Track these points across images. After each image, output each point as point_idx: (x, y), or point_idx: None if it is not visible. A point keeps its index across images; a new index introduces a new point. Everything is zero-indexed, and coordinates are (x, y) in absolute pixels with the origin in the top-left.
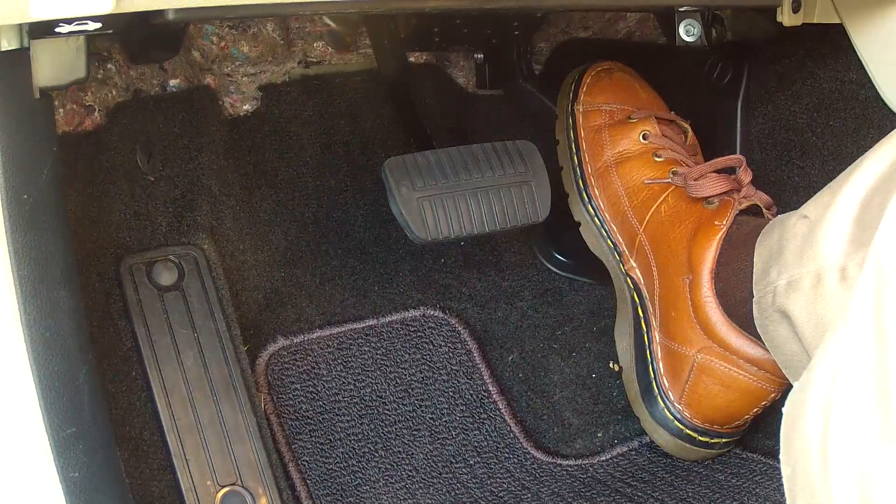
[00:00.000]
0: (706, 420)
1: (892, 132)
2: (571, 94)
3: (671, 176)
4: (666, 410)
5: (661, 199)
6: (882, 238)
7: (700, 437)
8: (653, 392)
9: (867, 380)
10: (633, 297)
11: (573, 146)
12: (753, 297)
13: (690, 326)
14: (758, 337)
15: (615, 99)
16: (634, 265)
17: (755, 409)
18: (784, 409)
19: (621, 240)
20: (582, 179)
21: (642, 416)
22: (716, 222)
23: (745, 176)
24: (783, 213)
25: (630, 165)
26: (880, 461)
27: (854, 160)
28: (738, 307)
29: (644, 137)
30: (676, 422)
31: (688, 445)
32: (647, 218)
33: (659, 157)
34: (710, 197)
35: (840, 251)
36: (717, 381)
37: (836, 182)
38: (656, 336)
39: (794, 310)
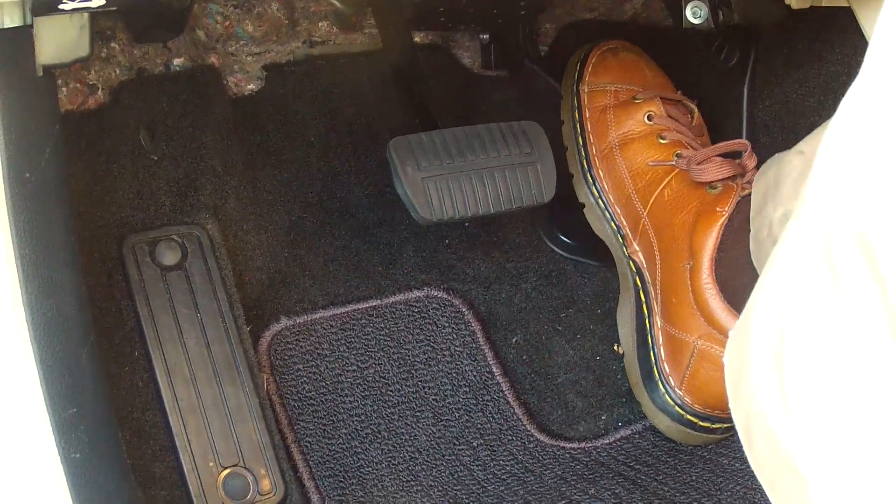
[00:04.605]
0: (707, 406)
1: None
2: (577, 74)
3: (675, 158)
4: (667, 396)
5: (665, 182)
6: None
7: (701, 423)
8: (654, 377)
9: (815, 311)
10: (635, 282)
11: (578, 127)
12: (751, 232)
13: (691, 313)
14: None
15: (620, 79)
16: (637, 249)
17: None
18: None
19: (625, 223)
20: (586, 160)
21: (643, 402)
22: (717, 208)
23: (750, 161)
24: None
25: (635, 147)
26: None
27: None
28: (739, 293)
29: (649, 118)
30: (677, 407)
31: (689, 431)
32: (651, 201)
33: (664, 138)
34: (713, 182)
35: None
36: (717, 368)
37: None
38: (658, 321)
39: None
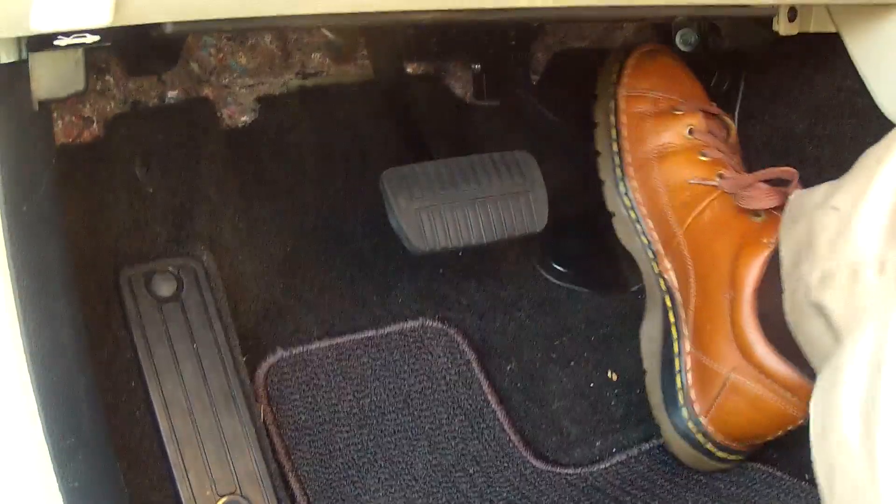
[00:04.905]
0: (728, 437)
1: None
2: (615, 76)
3: (717, 179)
4: (690, 423)
5: (705, 203)
6: None
7: (719, 453)
8: (677, 402)
9: None
10: (664, 301)
11: (613, 132)
12: (784, 292)
13: (726, 344)
14: (794, 360)
15: (660, 86)
16: (669, 267)
17: (780, 433)
18: (812, 411)
19: (657, 238)
20: (620, 168)
21: (662, 425)
22: (763, 239)
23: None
24: None
25: (673, 161)
26: None
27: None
28: (779, 329)
29: (690, 132)
30: (700, 434)
31: (704, 459)
32: (689, 221)
33: (705, 156)
34: (758, 210)
35: (878, 243)
36: (747, 402)
37: (861, 172)
38: (687, 345)
39: (829, 304)
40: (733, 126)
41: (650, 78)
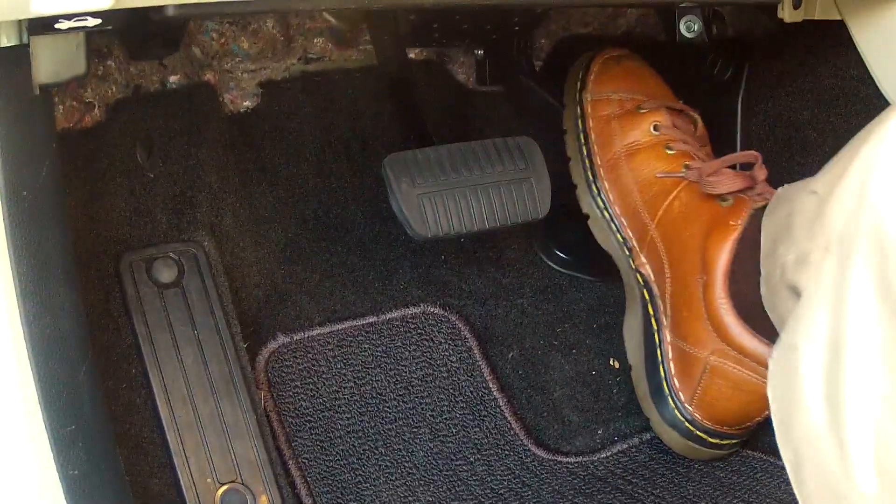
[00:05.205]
0: (717, 422)
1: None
2: (579, 83)
3: (684, 170)
4: (676, 412)
5: (674, 194)
6: (879, 207)
7: (710, 439)
8: (663, 393)
9: (875, 352)
10: (643, 295)
11: (582, 137)
12: (761, 274)
13: (703, 328)
14: (771, 339)
15: (625, 87)
16: (645, 261)
17: (766, 412)
18: (771, 395)
19: (631, 234)
20: (591, 171)
21: (651, 417)
22: (731, 222)
23: (760, 173)
24: None
25: (641, 158)
26: None
27: None
28: (753, 308)
29: (655, 128)
30: (687, 423)
31: (697, 446)
32: (660, 213)
33: (671, 149)
34: (724, 194)
35: (842, 224)
36: (729, 384)
37: (842, 157)
38: (667, 335)
39: (803, 284)
40: (699, 119)
41: (614, 81)
